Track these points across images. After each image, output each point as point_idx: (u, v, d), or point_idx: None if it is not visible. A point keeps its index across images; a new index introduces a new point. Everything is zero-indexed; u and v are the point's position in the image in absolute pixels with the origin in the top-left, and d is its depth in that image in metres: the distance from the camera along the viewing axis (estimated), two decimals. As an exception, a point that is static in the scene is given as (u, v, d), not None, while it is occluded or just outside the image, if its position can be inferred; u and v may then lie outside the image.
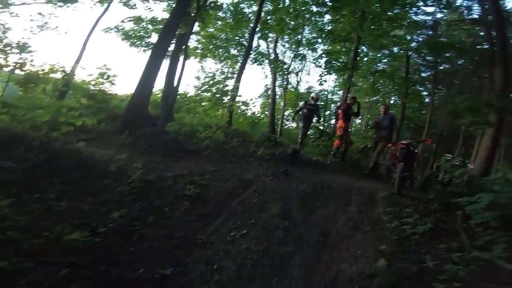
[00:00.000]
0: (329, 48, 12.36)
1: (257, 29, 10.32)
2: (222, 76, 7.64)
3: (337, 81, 18.40)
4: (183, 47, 7.49)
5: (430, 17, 14.17)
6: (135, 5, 11.41)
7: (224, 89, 7.65)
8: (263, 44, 14.79)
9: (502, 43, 10.06)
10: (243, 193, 4.99)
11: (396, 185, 6.35)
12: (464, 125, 9.56)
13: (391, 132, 7.49)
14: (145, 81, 6.78)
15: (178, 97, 8.42)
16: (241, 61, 10.95)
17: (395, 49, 14.92)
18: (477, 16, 14.87)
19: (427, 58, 18.93)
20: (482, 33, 16.86)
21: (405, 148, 6.65)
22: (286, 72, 10.34)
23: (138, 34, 11.88)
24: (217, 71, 7.62)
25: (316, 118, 9.60)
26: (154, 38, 11.13)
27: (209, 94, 7.82)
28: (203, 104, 7.82)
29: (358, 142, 10.11)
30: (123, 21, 11.73)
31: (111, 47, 48.68)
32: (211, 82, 7.47)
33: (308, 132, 9.93)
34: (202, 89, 7.58)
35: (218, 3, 8.22)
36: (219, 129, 7.21)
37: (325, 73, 11.44)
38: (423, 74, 19.36)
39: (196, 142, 6.62)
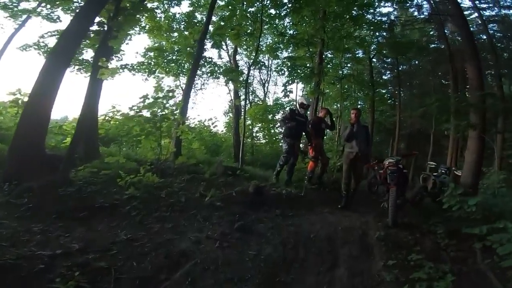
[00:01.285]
0: (293, 54, 10.37)
1: (210, 37, 8.34)
2: (164, 95, 5.26)
3: (304, 89, 16.74)
4: (106, 61, 5.18)
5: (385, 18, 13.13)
6: (58, 17, 8.85)
7: (163, 112, 5.35)
8: (222, 55, 12.98)
9: (467, 37, 8.55)
10: (167, 279, 2.83)
11: (390, 216, 4.58)
12: (447, 129, 7.80)
13: (367, 146, 5.62)
14: (37, 105, 4.48)
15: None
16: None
17: (358, 53, 13.79)
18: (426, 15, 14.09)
19: (387, 60, 18.11)
20: (432, 32, 16.30)
21: (396, 169, 4.76)
22: (243, 83, 8.24)
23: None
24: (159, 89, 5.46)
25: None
26: (88, 54, 8.55)
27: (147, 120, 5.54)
28: (134, 133, 5.48)
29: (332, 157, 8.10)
30: (42, 36, 9.01)
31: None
32: (142, 104, 5.14)
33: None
34: (131, 114, 5.18)
35: (143, 6, 6.07)
36: (154, 168, 4.95)
37: (290, 82, 9.45)
38: (384, 77, 18.57)
39: (116, 192, 4.34)
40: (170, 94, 5.45)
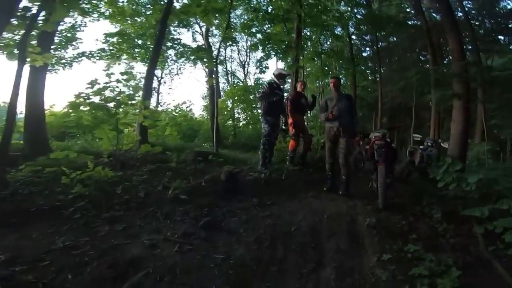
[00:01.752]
0: (269, 31, 9.38)
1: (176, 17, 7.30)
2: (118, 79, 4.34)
3: (285, 68, 15.82)
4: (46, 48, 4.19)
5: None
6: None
7: (119, 98, 4.44)
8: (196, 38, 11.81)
9: (446, 9, 7.88)
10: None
11: (381, 198, 3.96)
12: (431, 100, 7.19)
13: (352, 120, 4.64)
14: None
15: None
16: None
17: (337, 30, 13.01)
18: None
19: (366, 38, 17.44)
20: (409, 10, 15.69)
21: (384, 144, 4.12)
22: (215, 62, 7.28)
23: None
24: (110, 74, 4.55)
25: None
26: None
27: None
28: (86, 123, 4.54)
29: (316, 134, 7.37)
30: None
31: None
32: (91, 91, 4.19)
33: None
34: (79, 101, 4.22)
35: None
36: (113, 160, 4.11)
37: (265, 57, 8.52)
38: (364, 54, 17.95)
39: (60, 192, 3.51)
40: (125, 77, 4.53)
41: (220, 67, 23.09)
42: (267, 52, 7.81)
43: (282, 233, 3.09)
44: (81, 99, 4.24)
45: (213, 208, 3.47)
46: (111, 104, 4.39)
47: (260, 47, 7.92)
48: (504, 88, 8.87)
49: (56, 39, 10.20)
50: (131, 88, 4.80)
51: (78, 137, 6.76)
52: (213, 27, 9.62)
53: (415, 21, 15.95)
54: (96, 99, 4.36)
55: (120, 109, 4.54)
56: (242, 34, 10.58)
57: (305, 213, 3.60)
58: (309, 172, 5.68)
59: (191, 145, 7.10)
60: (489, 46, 14.14)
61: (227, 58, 21.80)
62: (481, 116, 10.81)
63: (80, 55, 10.01)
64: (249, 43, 14.43)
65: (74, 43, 9.32)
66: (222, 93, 15.85)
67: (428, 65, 16.63)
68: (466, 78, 6.90)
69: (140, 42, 9.53)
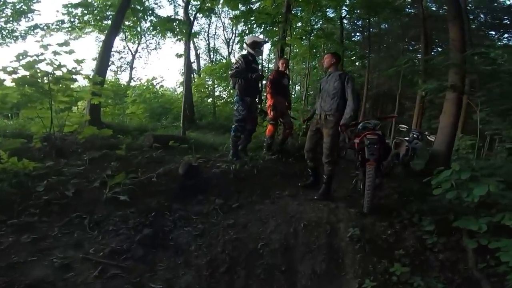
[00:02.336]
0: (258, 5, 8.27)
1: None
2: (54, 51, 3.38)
3: (271, 48, 14.67)
4: None
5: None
6: None
7: (58, 72, 3.46)
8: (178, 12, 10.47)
9: None
10: None
11: (366, 203, 3.32)
12: (426, 89, 6.53)
13: (341, 105, 3.66)
14: None
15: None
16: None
17: (329, 13, 12.06)
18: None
19: (358, 23, 16.60)
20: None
21: (378, 140, 3.46)
22: (187, 32, 6.23)
23: None
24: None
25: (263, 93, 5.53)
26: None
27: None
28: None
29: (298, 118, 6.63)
30: None
31: None
32: (19, 64, 3.20)
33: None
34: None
35: None
36: (47, 146, 3.21)
37: (247, 31, 7.43)
38: (354, 39, 17.11)
39: None
40: (66, 49, 3.55)
41: (202, 44, 21.58)
42: (249, 26, 6.73)
43: (245, 252, 2.39)
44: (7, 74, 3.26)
45: (162, 214, 2.71)
46: (45, 80, 3.42)
47: (242, 21, 6.83)
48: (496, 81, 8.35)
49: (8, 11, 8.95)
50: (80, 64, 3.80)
51: (12, 117, 5.70)
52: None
53: (410, 10, 15.41)
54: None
55: (60, 86, 3.56)
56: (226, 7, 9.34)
57: (278, 221, 2.92)
58: (289, 162, 4.99)
59: (157, 125, 6.24)
60: (479, 40, 13.74)
61: (211, 35, 20.37)
62: (464, 109, 10.45)
63: (33, 28, 8.66)
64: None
65: (29, 15, 7.99)
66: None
67: (417, 55, 16.40)
68: (465, 69, 6.37)
69: (109, 13, 8.17)
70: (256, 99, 4.63)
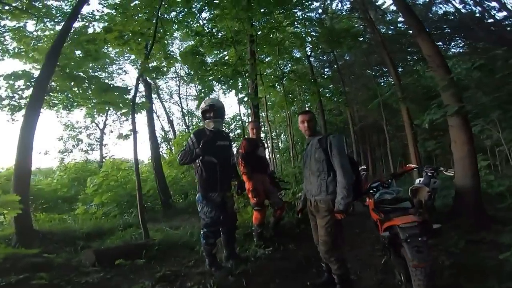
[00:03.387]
0: (217, 57, 7.49)
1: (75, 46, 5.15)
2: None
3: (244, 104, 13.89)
4: None
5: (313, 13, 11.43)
6: None
7: None
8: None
9: (406, 9, 6.65)
10: None
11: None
12: (429, 121, 5.58)
13: (329, 181, 2.53)
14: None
15: None
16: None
17: (295, 53, 11.86)
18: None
19: (323, 58, 16.61)
20: (357, 25, 15.13)
21: (420, 227, 2.22)
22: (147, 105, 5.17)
23: None
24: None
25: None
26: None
27: None
28: None
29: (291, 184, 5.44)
30: None
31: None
32: None
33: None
34: None
35: None
36: None
37: (205, 90, 6.40)
38: (324, 76, 16.99)
39: None
40: None
41: (175, 108, 20.63)
42: (207, 83, 5.61)
43: None
44: None
45: None
46: None
47: (196, 78, 5.80)
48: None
49: None
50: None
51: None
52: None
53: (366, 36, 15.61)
54: None
55: None
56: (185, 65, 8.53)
57: None
58: (289, 250, 3.70)
59: (118, 225, 4.85)
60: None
61: (183, 97, 19.55)
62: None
63: None
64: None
65: None
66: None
67: (388, 79, 16.28)
68: (460, 88, 5.58)
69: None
70: (231, 189, 3.32)
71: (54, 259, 3.15)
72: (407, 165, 4.65)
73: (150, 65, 4.40)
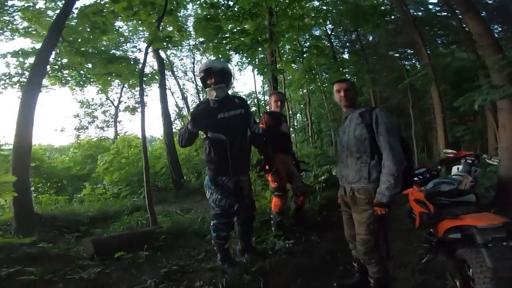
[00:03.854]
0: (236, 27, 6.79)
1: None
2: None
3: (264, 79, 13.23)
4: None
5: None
6: None
7: None
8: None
9: None
10: None
11: None
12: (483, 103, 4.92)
13: (373, 166, 1.99)
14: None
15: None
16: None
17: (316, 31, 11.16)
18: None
19: (343, 39, 15.57)
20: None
21: (506, 229, 1.65)
22: (155, 77, 4.75)
23: None
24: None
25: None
26: None
27: None
28: None
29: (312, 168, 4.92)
30: None
31: None
32: None
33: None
34: None
35: None
36: None
37: (220, 57, 5.70)
38: (344, 56, 15.98)
39: None
40: None
41: (189, 85, 20.01)
42: (224, 53, 4.95)
43: None
44: None
45: None
46: None
47: (212, 46, 5.10)
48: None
49: None
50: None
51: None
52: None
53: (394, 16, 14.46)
54: None
55: None
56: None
57: None
58: (311, 242, 3.28)
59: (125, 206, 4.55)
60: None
61: (197, 73, 18.96)
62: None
63: None
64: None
65: None
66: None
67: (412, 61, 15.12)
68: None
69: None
70: (243, 173, 2.59)
71: (51, 250, 2.83)
72: (461, 151, 4.04)
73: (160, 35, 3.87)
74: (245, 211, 2.60)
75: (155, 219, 3.68)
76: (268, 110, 3.78)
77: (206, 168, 2.55)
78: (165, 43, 3.71)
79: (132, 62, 3.82)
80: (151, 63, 11.43)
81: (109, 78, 3.80)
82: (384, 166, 1.90)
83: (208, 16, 4.24)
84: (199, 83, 19.64)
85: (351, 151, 2.04)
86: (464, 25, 8.91)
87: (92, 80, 6.26)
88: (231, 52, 4.36)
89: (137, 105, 4.05)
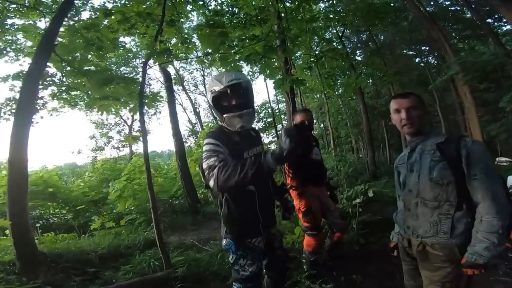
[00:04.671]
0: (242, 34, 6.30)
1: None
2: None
3: (277, 92, 12.49)
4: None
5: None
6: None
7: None
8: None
9: None
10: None
11: None
12: None
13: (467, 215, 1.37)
14: None
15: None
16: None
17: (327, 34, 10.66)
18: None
19: (354, 40, 14.94)
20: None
21: None
22: (160, 100, 4.25)
23: None
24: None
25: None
26: None
27: None
28: None
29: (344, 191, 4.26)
30: None
31: None
32: None
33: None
34: None
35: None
36: None
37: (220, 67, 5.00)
38: (358, 58, 15.25)
39: None
40: None
41: (201, 98, 19.46)
42: (233, 64, 4.19)
43: None
44: None
45: None
46: None
47: (217, 57, 4.41)
48: None
49: None
50: None
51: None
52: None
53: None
54: None
55: None
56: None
57: None
58: (353, 286, 2.64)
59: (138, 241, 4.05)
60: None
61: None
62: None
63: None
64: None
65: None
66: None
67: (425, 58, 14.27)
68: None
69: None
70: (275, 222, 1.94)
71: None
72: None
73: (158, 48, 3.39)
74: (277, 265, 1.98)
75: (169, 261, 3.14)
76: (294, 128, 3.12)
77: (222, 228, 1.80)
78: (166, 56, 3.22)
79: (133, 82, 3.36)
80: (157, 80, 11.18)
81: (106, 103, 3.32)
82: (482, 220, 1.31)
83: (211, 22, 3.73)
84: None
85: (424, 198, 1.45)
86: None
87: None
88: (241, 63, 3.81)
89: (138, 133, 3.60)
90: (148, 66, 3.19)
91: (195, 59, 11.17)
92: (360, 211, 3.68)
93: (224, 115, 1.64)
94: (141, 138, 3.19)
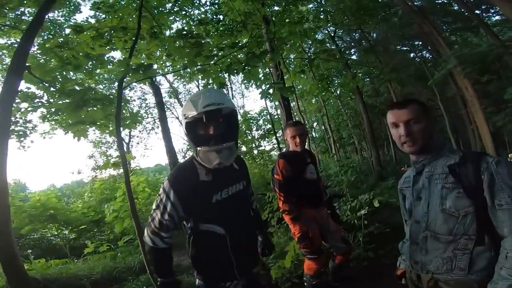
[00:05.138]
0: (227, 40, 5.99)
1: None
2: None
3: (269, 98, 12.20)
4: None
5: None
6: None
7: None
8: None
9: None
10: None
11: None
12: None
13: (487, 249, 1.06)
14: None
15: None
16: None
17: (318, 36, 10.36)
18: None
19: (346, 39, 14.79)
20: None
21: None
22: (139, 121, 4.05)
23: None
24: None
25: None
26: None
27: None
28: None
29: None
30: None
31: None
32: None
33: None
34: None
35: None
36: None
37: (212, 86, 4.68)
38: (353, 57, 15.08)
39: None
40: None
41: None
42: (214, 76, 3.78)
43: None
44: None
45: None
46: None
47: (196, 71, 4.02)
48: None
49: None
50: None
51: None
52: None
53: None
54: None
55: None
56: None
57: None
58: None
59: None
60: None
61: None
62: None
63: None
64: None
65: None
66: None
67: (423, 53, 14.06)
68: None
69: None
70: (256, 262, 1.59)
71: None
72: None
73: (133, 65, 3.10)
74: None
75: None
76: (284, 152, 2.70)
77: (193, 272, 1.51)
78: (142, 72, 2.94)
79: (108, 102, 3.07)
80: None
81: (82, 127, 3.02)
82: (508, 257, 0.99)
83: (184, 32, 3.44)
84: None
85: (435, 231, 1.13)
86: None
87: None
88: (223, 74, 3.47)
89: (118, 159, 3.30)
90: (125, 84, 2.94)
91: (164, 74, 10.85)
92: (366, 224, 3.34)
93: (198, 148, 1.33)
94: (121, 165, 2.87)
